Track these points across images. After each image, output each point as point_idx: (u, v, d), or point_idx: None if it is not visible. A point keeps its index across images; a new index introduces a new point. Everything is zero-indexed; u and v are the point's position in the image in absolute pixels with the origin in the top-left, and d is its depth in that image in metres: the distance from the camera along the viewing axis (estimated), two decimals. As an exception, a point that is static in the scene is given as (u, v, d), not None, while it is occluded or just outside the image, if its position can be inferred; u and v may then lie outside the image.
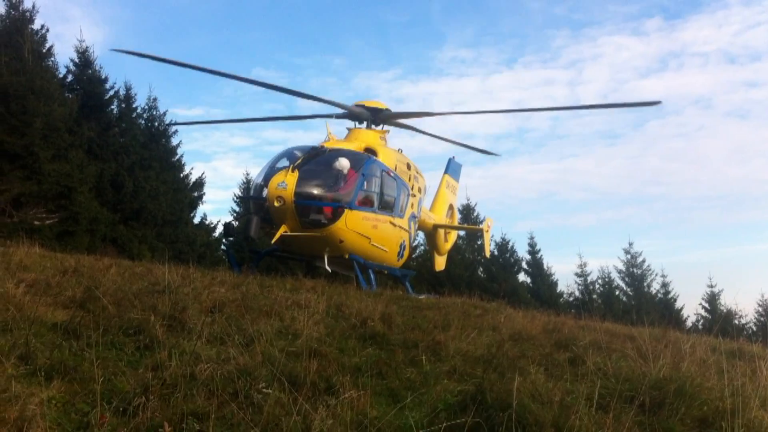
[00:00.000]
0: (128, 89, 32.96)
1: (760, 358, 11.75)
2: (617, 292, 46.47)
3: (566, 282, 53.66)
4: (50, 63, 29.09)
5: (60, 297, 9.66)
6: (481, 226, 29.28)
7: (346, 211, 17.48)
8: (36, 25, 28.14)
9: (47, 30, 28.61)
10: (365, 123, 21.78)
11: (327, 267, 17.86)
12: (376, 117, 21.77)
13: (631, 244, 47.45)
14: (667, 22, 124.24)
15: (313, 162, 17.92)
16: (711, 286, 46.00)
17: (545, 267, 45.10)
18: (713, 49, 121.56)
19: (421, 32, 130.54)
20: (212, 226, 36.29)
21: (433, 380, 8.10)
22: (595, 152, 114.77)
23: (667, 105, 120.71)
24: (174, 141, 34.83)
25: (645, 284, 47.11)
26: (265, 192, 17.44)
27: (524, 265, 45.26)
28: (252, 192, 19.62)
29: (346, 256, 18.12)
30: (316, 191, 17.38)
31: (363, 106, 21.53)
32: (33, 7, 27.84)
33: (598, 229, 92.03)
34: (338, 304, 11.68)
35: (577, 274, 45.86)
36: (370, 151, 20.04)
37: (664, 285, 46.85)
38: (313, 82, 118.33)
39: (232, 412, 6.20)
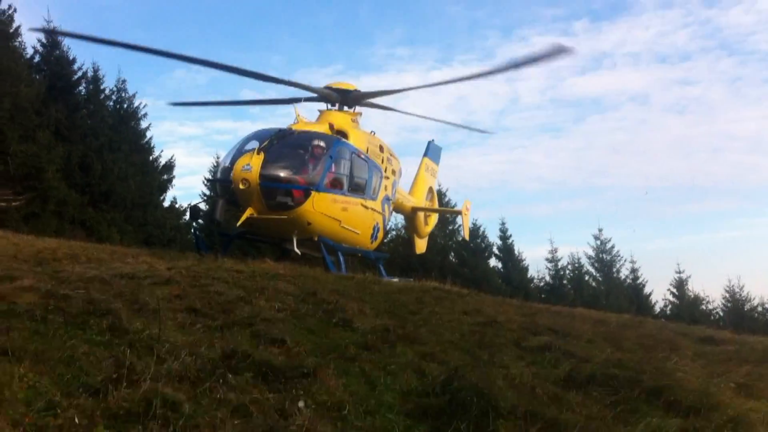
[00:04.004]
0: (96, 71, 32.45)
1: (729, 343, 11.94)
2: (587, 278, 46.80)
3: (537, 268, 54.27)
4: (17, 44, 28.55)
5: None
6: (459, 209, 29.12)
7: (313, 193, 17.26)
8: (3, 5, 27.65)
9: (15, 10, 28.10)
10: (336, 105, 21.52)
11: (296, 249, 17.69)
12: (346, 98, 21.45)
13: (600, 230, 47.75)
14: (593, 23, 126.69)
15: (280, 144, 17.65)
16: (679, 272, 46.51)
17: (516, 252, 45.29)
18: (644, 50, 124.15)
19: (351, 32, 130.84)
20: (182, 209, 35.90)
21: (408, 364, 8.07)
22: (541, 144, 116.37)
23: (606, 100, 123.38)
24: (143, 123, 34.37)
25: (614, 270, 47.47)
26: (231, 174, 17.22)
27: (495, 250, 45.40)
28: (219, 174, 19.32)
29: (315, 239, 17.94)
30: (281, 173, 17.14)
31: (331, 88, 21.24)
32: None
33: (555, 219, 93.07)
34: (310, 290, 11.57)
35: (548, 260, 46.11)
36: (341, 134, 19.80)
37: (633, 271, 47.22)
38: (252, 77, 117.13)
39: (205, 395, 6.13)
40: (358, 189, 19.47)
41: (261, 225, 17.70)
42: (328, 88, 21.18)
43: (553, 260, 45.98)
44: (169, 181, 35.35)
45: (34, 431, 5.05)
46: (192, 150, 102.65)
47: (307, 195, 17.20)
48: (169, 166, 35.18)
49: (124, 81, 33.94)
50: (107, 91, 33.28)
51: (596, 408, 7.02)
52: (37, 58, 30.65)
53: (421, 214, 26.71)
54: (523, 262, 45.26)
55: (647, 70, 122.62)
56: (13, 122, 25.11)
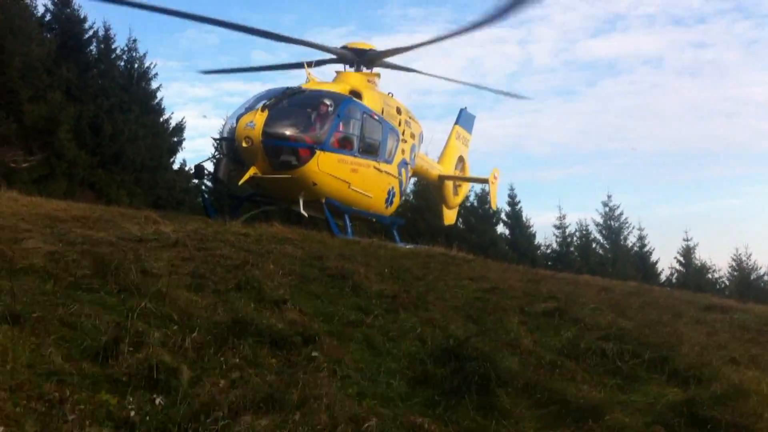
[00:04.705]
0: (107, 30, 32.14)
1: (733, 311, 11.95)
2: (594, 245, 46.73)
3: (544, 234, 53.88)
4: (28, 1, 28.38)
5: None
6: (487, 177, 28.44)
7: (318, 152, 16.98)
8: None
9: (25, -33, 27.84)
10: (354, 66, 21.07)
11: (303, 211, 17.50)
12: (363, 58, 20.96)
13: (609, 197, 47.55)
14: None
15: (286, 102, 17.44)
16: (687, 240, 46.39)
17: (524, 219, 45.20)
18: (658, 11, 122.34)
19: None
20: (191, 172, 35.86)
21: (411, 330, 8.12)
22: (554, 108, 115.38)
23: (619, 64, 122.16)
24: (154, 84, 34.17)
25: (622, 237, 47.35)
26: (234, 132, 17.08)
27: (503, 216, 45.32)
28: (225, 133, 19.05)
29: (323, 201, 17.73)
30: (285, 131, 16.88)
31: (347, 48, 20.79)
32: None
33: (565, 184, 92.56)
34: (317, 254, 11.62)
35: (555, 226, 46.03)
36: (355, 94, 19.34)
37: (641, 238, 47.04)
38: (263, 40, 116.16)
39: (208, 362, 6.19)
40: (370, 150, 19.10)
41: (266, 185, 17.55)
42: (344, 48, 20.77)
43: (561, 227, 45.92)
44: (179, 143, 35.21)
45: (36, 397, 5.10)
46: (203, 111, 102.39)
47: (311, 153, 16.91)
48: (180, 128, 35.03)
49: (135, 41, 33.60)
50: (118, 51, 33.00)
51: (597, 377, 7.06)
52: (48, 17, 30.44)
53: (449, 183, 26.06)
54: (531, 229, 45.21)
55: (662, 32, 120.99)
56: (24, 81, 25.02)
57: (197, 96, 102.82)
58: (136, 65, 33.54)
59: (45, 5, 30.34)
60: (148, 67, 33.80)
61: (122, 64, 33.20)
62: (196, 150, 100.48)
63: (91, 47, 31.39)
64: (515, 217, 44.97)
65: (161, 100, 34.41)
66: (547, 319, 9.31)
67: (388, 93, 21.38)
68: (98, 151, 28.98)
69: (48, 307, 6.77)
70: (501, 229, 44.89)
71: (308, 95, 17.90)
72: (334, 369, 6.49)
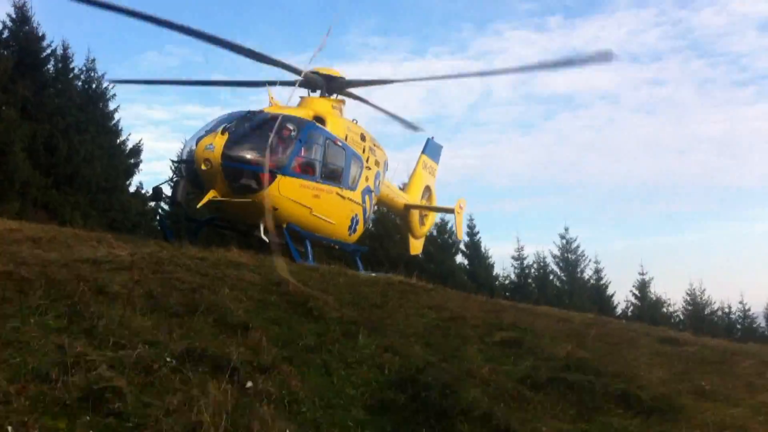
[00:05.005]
0: (65, 48, 31.68)
1: (689, 344, 12.05)
2: (551, 277, 47.09)
3: (503, 265, 54.10)
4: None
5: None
6: (453, 207, 27.89)
7: (279, 176, 16.65)
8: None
9: (-20, -16, 27.45)
10: (318, 92, 20.77)
11: (263, 236, 17.21)
12: (331, 85, 20.73)
13: (566, 230, 48.06)
14: (567, 20, 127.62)
15: (247, 125, 17.17)
16: (642, 274, 47.04)
17: (483, 250, 45.40)
18: (615, 48, 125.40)
19: (325, 19, 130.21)
20: (148, 195, 35.32)
21: (370, 357, 8.00)
22: (513, 140, 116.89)
23: (576, 99, 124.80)
24: (112, 105, 33.71)
25: (579, 270, 47.79)
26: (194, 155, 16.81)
27: (462, 246, 45.46)
28: (184, 155, 18.51)
29: (284, 226, 17.34)
30: (245, 154, 16.47)
31: (317, 73, 20.36)
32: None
33: (524, 215, 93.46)
34: (275, 280, 11.43)
35: (513, 258, 46.30)
36: (319, 120, 19.05)
37: (597, 271, 47.55)
38: (226, 61, 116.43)
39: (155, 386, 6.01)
40: (333, 177, 18.79)
41: (226, 209, 17.23)
42: (314, 72, 20.35)
43: (519, 258, 46.16)
44: (136, 165, 34.63)
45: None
46: (160, 135, 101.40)
47: (272, 177, 16.53)
48: (137, 151, 34.48)
49: (93, 60, 33.07)
50: (76, 70, 32.56)
51: (557, 407, 7.00)
52: (5, 34, 29.97)
53: (415, 213, 25.81)
54: (490, 260, 45.39)
55: (619, 68, 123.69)
56: (-22, 98, 24.54)
57: (155, 119, 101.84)
58: (94, 85, 33.09)
59: (3, 21, 29.80)
60: (106, 88, 33.35)
61: (80, 83, 32.71)
62: (153, 173, 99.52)
63: (49, 66, 30.90)
64: (474, 248, 45.13)
65: (119, 121, 33.82)
66: (507, 349, 9.26)
67: (353, 119, 21.26)
68: (53, 172, 28.45)
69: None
70: (460, 259, 45.03)
71: (270, 119, 17.66)
72: (290, 399, 6.35)
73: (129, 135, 34.61)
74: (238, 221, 18.33)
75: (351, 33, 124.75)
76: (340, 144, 19.06)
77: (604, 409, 7.17)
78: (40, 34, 30.38)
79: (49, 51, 30.71)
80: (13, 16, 29.84)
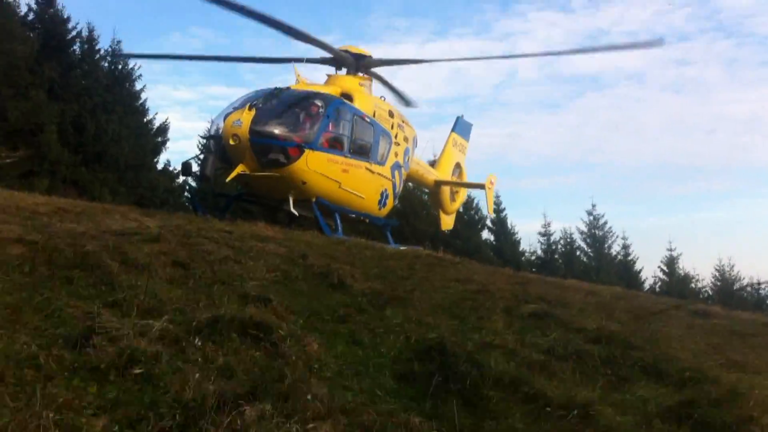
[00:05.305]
0: (91, 30, 31.95)
1: (720, 317, 11.90)
2: (578, 253, 46.83)
3: (529, 242, 53.69)
4: (11, 0, 28.14)
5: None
6: (483, 183, 27.95)
7: (306, 150, 16.79)
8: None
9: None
10: (347, 70, 20.81)
11: (292, 210, 17.30)
12: (359, 63, 20.79)
13: (593, 206, 47.71)
14: (591, 1, 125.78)
15: (274, 101, 17.29)
16: (671, 250, 46.60)
17: (509, 226, 45.24)
18: (641, 28, 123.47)
19: (348, 1, 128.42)
20: (175, 172, 35.60)
21: (396, 327, 7.97)
22: (539, 120, 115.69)
23: (602, 79, 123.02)
24: (138, 85, 33.98)
25: (606, 246, 47.49)
26: (221, 130, 16.88)
27: (488, 223, 45.32)
28: (211, 131, 18.75)
29: (313, 200, 17.51)
30: (273, 129, 16.68)
31: (348, 51, 20.52)
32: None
33: (549, 194, 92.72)
34: (301, 253, 11.43)
35: (540, 234, 46.09)
36: (346, 97, 19.15)
37: (625, 247, 47.25)
38: (250, 42, 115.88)
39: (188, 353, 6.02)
40: (361, 152, 18.90)
41: (255, 184, 17.37)
42: (344, 50, 20.44)
43: (546, 234, 46.01)
44: (163, 143, 34.96)
45: (12, 382, 4.94)
46: (187, 115, 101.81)
47: (300, 152, 16.71)
48: (164, 129, 34.79)
49: (119, 42, 33.44)
50: (102, 52, 32.86)
51: (585, 377, 6.93)
52: (31, 16, 30.21)
53: (446, 189, 26.05)
54: (516, 236, 45.27)
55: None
56: (6, 79, 24.78)
57: (181, 99, 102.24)
58: (119, 66, 33.32)
59: (28, 4, 30.12)
60: (132, 68, 33.65)
61: (106, 64, 32.97)
62: (180, 152, 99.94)
63: (75, 47, 31.20)
64: (500, 224, 45.03)
65: (145, 101, 34.26)
66: (534, 321, 9.16)
67: (380, 97, 21.27)
68: (81, 150, 28.76)
69: (25, 297, 6.61)
70: (486, 235, 44.94)
71: (297, 95, 17.75)
72: (319, 365, 6.35)
73: (156, 114, 34.96)
74: (267, 196, 18.37)
75: (374, 14, 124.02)
76: (368, 120, 19.08)
77: (634, 380, 7.08)
78: (65, 16, 30.64)
79: (74, 33, 31.01)
80: (39, -2, 30.04)
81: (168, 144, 35.13)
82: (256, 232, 13.08)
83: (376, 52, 21.12)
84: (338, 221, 18.17)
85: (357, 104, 19.16)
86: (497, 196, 45.03)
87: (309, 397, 5.25)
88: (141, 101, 33.95)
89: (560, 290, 11.99)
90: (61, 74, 28.97)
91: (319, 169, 17.29)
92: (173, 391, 5.13)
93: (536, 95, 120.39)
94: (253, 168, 16.48)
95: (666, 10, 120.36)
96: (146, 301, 7.12)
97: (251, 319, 6.98)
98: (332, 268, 10.19)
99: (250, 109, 16.50)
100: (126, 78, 33.38)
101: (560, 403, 5.91)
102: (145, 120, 34.02)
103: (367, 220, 20.81)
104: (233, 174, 16.45)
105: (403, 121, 21.82)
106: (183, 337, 6.28)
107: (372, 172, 19.41)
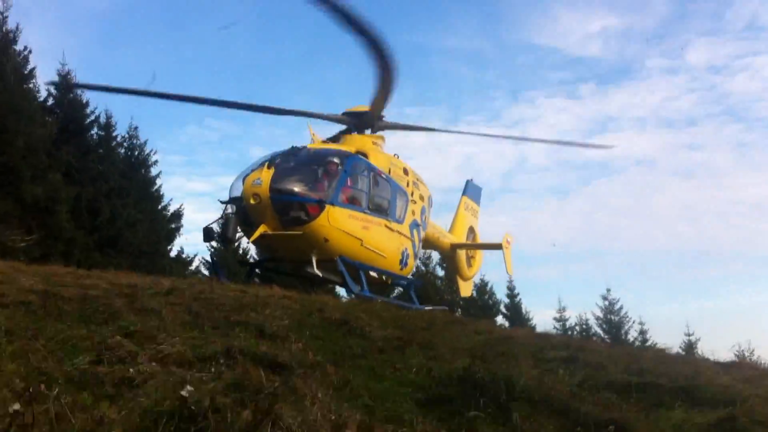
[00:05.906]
0: (108, 117, 32.50)
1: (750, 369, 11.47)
2: (594, 338, 45.83)
3: (545, 327, 52.81)
4: (32, 85, 28.77)
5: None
6: (500, 242, 26.62)
7: (327, 206, 16.37)
8: (19, 47, 27.88)
9: (30, 51, 28.25)
10: (356, 130, 20.55)
11: (316, 270, 16.85)
12: (361, 120, 20.48)
13: (608, 291, 47.07)
14: (600, 87, 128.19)
15: (292, 159, 17.23)
16: (689, 335, 45.55)
17: (524, 311, 44.65)
18: (649, 114, 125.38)
19: (360, 91, 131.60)
20: (189, 259, 35.57)
21: (418, 364, 7.66)
22: (548, 206, 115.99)
23: (613, 164, 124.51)
24: (153, 171, 34.34)
25: (623, 331, 46.54)
26: (241, 191, 16.81)
27: (503, 308, 44.75)
28: (230, 193, 18.23)
29: (336, 259, 16.91)
30: (293, 186, 16.39)
31: (347, 113, 20.49)
32: (17, 28, 27.53)
33: (563, 282, 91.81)
34: (316, 307, 11.17)
35: (555, 319, 45.41)
36: (361, 154, 18.88)
37: (642, 332, 46.16)
38: (262, 133, 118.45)
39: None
40: (380, 209, 18.56)
41: (277, 245, 16.98)
42: (345, 114, 20.44)
43: (561, 320, 45.33)
44: (177, 230, 34.98)
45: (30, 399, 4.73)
46: (201, 207, 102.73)
47: (321, 208, 16.31)
48: (178, 215, 34.87)
49: (135, 128, 33.90)
50: (119, 138, 33.35)
51: (618, 402, 6.59)
52: (50, 101, 30.80)
53: (462, 253, 25.43)
54: (531, 321, 44.55)
55: (654, 133, 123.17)
56: (25, 161, 25.06)
57: (196, 190, 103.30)
58: (136, 152, 33.78)
59: (48, 89, 30.70)
60: (148, 155, 34.03)
61: (122, 150, 33.42)
62: (195, 244, 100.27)
63: (92, 132, 31.65)
64: (515, 309, 44.47)
65: (160, 187, 34.40)
66: (562, 363, 8.82)
67: (394, 155, 21.15)
68: (95, 234, 28.77)
69: (40, 326, 6.47)
70: (501, 320, 44.29)
71: (314, 152, 17.73)
72: (342, 391, 6.07)
73: (170, 201, 35.13)
74: (289, 258, 17.93)
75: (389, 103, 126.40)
76: (384, 176, 18.88)
77: (668, 403, 6.72)
78: (84, 101, 31.20)
79: (92, 117, 31.50)
80: (58, 83, 30.72)
81: (182, 230, 35.15)
82: (271, 293, 12.85)
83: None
84: (363, 278, 17.53)
85: (372, 161, 18.98)
86: (510, 281, 44.72)
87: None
88: (156, 187, 34.18)
89: (584, 342, 11.67)
90: (78, 158, 29.28)
91: (341, 225, 16.88)
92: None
93: (546, 181, 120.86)
94: (275, 227, 16.14)
95: (674, 95, 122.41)
96: (158, 335, 6.92)
97: (268, 353, 6.77)
98: (349, 317, 9.93)
99: (269, 167, 16.38)
100: (142, 164, 33.72)
101: (595, 420, 5.58)
102: (159, 206, 34.19)
103: (390, 281, 20.34)
104: (256, 234, 16.12)
105: (417, 179, 21.50)
106: (194, 363, 6.07)
107: (392, 230, 18.97)
